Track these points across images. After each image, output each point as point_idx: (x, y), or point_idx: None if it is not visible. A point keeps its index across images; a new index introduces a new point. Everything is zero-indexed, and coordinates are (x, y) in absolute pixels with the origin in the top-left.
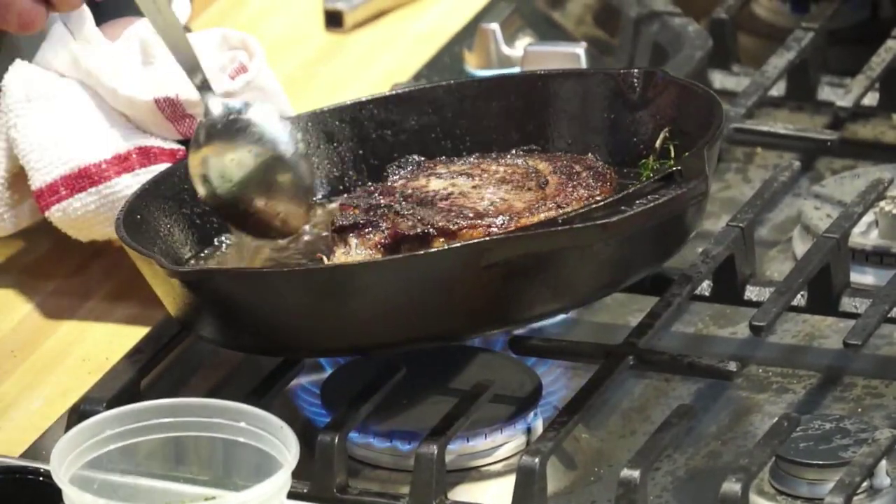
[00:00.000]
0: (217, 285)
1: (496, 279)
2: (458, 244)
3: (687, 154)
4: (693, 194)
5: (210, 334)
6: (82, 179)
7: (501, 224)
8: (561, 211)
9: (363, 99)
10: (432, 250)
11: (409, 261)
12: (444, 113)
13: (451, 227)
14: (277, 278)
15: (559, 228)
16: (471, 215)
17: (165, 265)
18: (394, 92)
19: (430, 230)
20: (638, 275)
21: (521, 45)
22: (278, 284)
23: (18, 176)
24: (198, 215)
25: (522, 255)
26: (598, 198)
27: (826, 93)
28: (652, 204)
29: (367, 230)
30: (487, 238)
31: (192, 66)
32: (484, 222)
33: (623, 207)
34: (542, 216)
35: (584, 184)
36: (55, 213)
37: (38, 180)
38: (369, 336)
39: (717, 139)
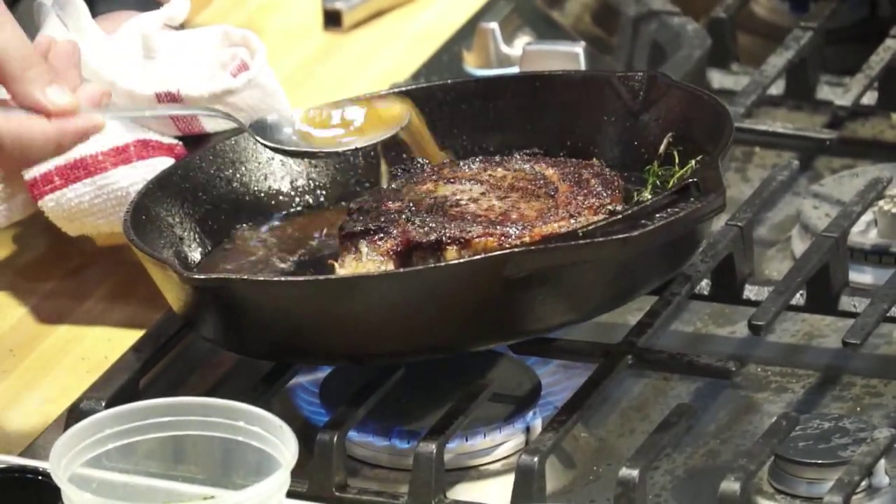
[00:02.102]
0: (231, 293)
1: (511, 291)
2: (481, 256)
3: (700, 160)
4: (711, 208)
5: (217, 337)
6: (78, 170)
7: (515, 233)
8: (573, 220)
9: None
10: (454, 262)
11: (430, 272)
12: (441, 112)
13: (464, 235)
14: (294, 288)
15: (581, 242)
16: (484, 223)
17: (179, 271)
18: (390, 91)
19: (444, 238)
20: (649, 286)
21: (520, 45)
22: (295, 294)
23: (11, 170)
24: (200, 214)
25: (541, 268)
26: (609, 207)
27: (825, 92)
28: (672, 218)
29: (378, 236)
30: (508, 251)
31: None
32: (498, 231)
33: (643, 221)
34: (556, 225)
35: (593, 192)
36: (48, 203)
37: (32, 170)
38: (381, 345)
39: (728, 148)
